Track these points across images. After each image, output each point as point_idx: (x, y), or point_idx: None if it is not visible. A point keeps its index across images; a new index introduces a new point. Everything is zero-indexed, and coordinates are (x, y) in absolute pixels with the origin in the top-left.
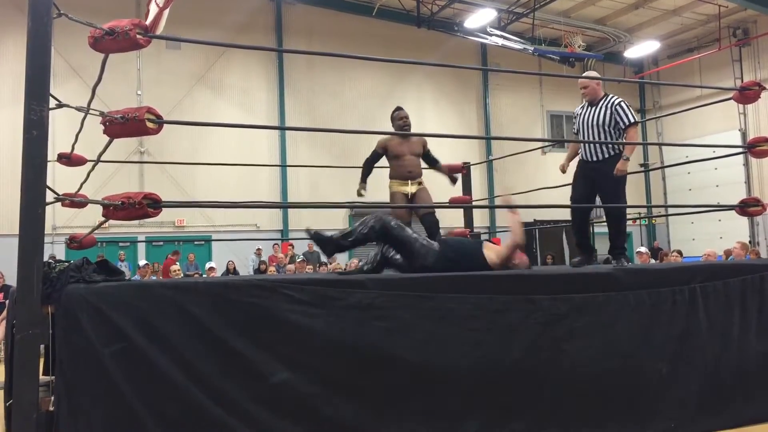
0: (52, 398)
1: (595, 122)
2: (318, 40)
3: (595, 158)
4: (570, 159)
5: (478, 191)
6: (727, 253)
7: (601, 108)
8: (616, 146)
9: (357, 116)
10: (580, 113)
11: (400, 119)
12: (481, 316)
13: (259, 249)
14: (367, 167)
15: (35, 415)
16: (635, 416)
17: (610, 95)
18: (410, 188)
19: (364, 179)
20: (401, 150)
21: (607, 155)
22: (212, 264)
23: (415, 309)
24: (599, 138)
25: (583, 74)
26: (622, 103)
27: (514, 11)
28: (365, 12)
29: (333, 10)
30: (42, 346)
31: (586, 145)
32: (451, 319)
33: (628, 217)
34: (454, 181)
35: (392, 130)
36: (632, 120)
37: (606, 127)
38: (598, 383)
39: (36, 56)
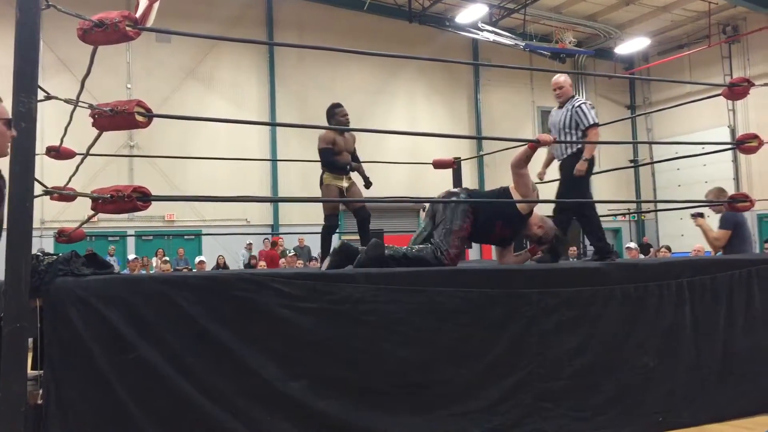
0: (41, 392)
1: (560, 124)
2: (309, 34)
3: (558, 158)
4: (546, 165)
5: (469, 186)
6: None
7: (564, 110)
8: (574, 146)
9: (348, 111)
10: (552, 115)
11: (343, 116)
12: (470, 310)
13: (249, 244)
14: (334, 161)
15: (23, 408)
16: (622, 409)
17: (575, 97)
18: (344, 183)
19: (346, 166)
20: (342, 146)
21: (565, 155)
22: (202, 258)
23: (404, 303)
24: (565, 137)
25: (556, 75)
26: (583, 105)
27: (506, 7)
28: (357, 6)
29: (324, 5)
30: (30, 340)
31: (555, 145)
32: (440, 313)
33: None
34: (368, 184)
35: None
36: (591, 122)
37: (568, 129)
38: (586, 377)
39: (24, 48)
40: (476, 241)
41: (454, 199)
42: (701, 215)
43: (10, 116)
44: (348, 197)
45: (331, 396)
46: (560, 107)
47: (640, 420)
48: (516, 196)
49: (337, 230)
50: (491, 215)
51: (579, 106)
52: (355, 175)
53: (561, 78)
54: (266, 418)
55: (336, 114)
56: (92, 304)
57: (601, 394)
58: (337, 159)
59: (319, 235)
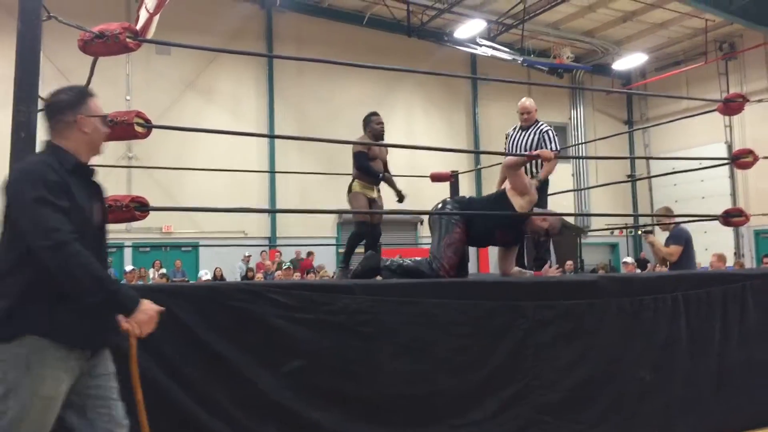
0: None
1: (524, 145)
2: (308, 48)
3: None
4: (501, 183)
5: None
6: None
7: (530, 133)
8: (538, 168)
9: (346, 124)
10: (512, 135)
11: (378, 123)
12: (466, 321)
13: (246, 256)
14: (368, 166)
15: None
16: (618, 422)
17: (540, 122)
18: (374, 193)
19: (378, 174)
20: (376, 154)
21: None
22: (205, 271)
23: (401, 315)
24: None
25: (526, 100)
26: (550, 132)
27: (504, 22)
28: (355, 21)
29: (323, 19)
30: None
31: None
32: (436, 324)
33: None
34: (401, 198)
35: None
36: (556, 148)
37: (532, 151)
38: (582, 389)
39: (25, 58)
40: (480, 246)
41: (447, 210)
42: (651, 232)
43: (105, 113)
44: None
45: (326, 407)
46: (523, 130)
47: None
48: (514, 197)
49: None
50: (489, 225)
51: (546, 131)
52: (384, 189)
53: (528, 102)
54: (261, 428)
55: (372, 122)
56: None
57: (597, 407)
58: (371, 165)
59: (321, 246)
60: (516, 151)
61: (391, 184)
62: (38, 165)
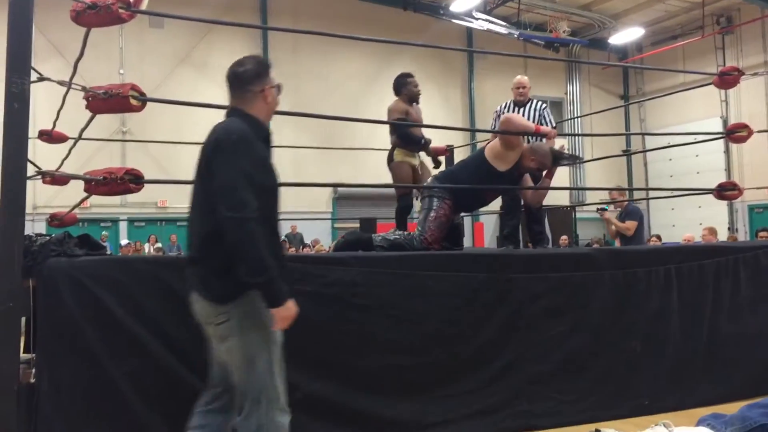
0: (33, 371)
1: None
2: (303, 21)
3: None
4: None
5: None
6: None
7: (528, 110)
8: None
9: (342, 99)
10: (506, 112)
11: (416, 86)
12: (459, 293)
13: None
14: (409, 132)
15: (16, 387)
16: (609, 393)
17: (535, 99)
18: (416, 161)
19: (421, 139)
20: (414, 119)
21: None
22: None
23: (394, 286)
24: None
25: (520, 76)
26: (548, 109)
27: None
28: None
29: None
30: (23, 322)
31: None
32: (430, 296)
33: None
34: (437, 164)
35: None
36: (554, 125)
37: None
38: (573, 361)
39: (17, 28)
40: (475, 209)
41: (435, 185)
42: (605, 209)
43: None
44: (418, 179)
45: (322, 378)
46: (518, 106)
47: (627, 404)
48: (492, 154)
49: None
50: (474, 192)
51: (545, 108)
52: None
53: (525, 78)
54: None
55: (409, 84)
56: (85, 284)
57: (588, 378)
58: (412, 131)
59: (314, 221)
60: None
61: (430, 150)
62: (249, 134)
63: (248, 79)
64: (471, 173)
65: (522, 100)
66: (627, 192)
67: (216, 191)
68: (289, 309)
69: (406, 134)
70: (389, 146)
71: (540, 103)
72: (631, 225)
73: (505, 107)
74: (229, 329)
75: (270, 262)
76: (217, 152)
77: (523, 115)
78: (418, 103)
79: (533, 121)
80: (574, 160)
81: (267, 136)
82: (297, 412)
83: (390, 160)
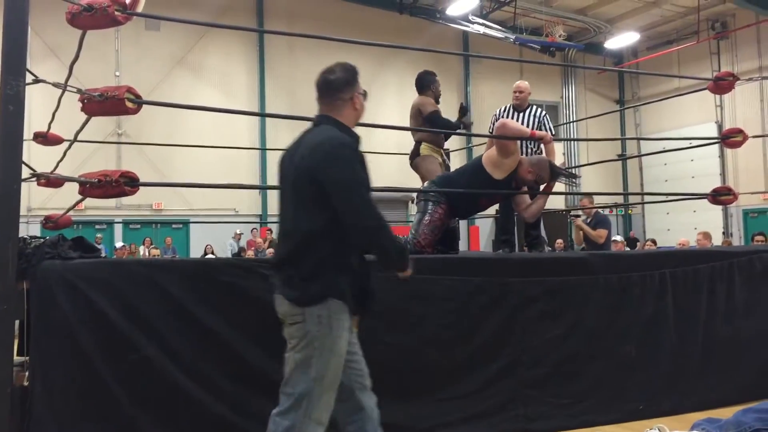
0: (27, 374)
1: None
2: (299, 24)
3: None
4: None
5: None
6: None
7: (528, 116)
8: (538, 149)
9: None
10: (503, 115)
11: (439, 85)
12: (455, 297)
13: (238, 233)
14: (448, 121)
15: (9, 389)
16: (604, 397)
17: (534, 106)
18: (441, 156)
19: (459, 125)
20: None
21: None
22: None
23: (390, 290)
24: (523, 143)
25: (523, 81)
26: (547, 116)
27: None
28: None
29: None
30: (17, 325)
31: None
32: (426, 300)
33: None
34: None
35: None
36: (553, 133)
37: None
38: (568, 365)
39: (12, 30)
40: (470, 216)
41: (431, 192)
42: (578, 216)
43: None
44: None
45: None
46: (517, 111)
47: (622, 408)
48: (489, 162)
49: None
50: (471, 197)
51: (545, 116)
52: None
53: (525, 84)
54: (251, 401)
55: (436, 82)
56: (79, 286)
57: (583, 382)
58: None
59: None
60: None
61: (465, 124)
62: (350, 142)
63: (339, 87)
64: (468, 180)
65: (520, 105)
66: (594, 200)
67: (340, 204)
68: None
69: (445, 123)
70: (392, 147)
71: (539, 109)
72: (603, 233)
73: (504, 111)
74: (300, 330)
75: (402, 243)
76: (329, 163)
77: (522, 121)
78: (438, 103)
79: (532, 128)
80: (572, 179)
81: (358, 142)
82: None
83: (416, 155)
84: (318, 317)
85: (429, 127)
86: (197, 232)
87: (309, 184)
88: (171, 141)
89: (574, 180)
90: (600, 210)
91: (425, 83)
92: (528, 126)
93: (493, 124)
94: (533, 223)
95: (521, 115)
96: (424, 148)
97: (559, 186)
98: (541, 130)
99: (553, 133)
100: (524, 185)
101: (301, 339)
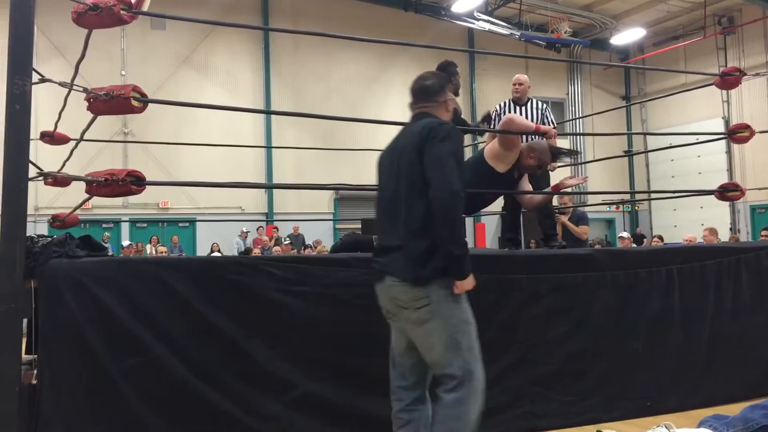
0: (35, 372)
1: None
2: (304, 22)
3: None
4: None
5: None
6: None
7: (529, 109)
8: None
9: (343, 100)
10: (505, 111)
11: (459, 78)
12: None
13: (244, 231)
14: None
15: (18, 388)
16: (611, 394)
17: (534, 99)
18: None
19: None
20: (460, 109)
21: None
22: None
23: None
24: (526, 137)
25: (519, 74)
26: (549, 109)
27: None
28: None
29: None
30: (25, 323)
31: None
32: None
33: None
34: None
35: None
36: (555, 124)
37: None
38: (575, 362)
39: (19, 30)
40: (475, 211)
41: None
42: (563, 213)
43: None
44: None
45: (322, 378)
46: (517, 104)
47: (629, 405)
48: (491, 155)
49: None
50: (474, 195)
51: (546, 108)
52: None
53: (524, 77)
54: (258, 399)
55: (457, 74)
56: (86, 285)
57: (590, 379)
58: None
59: (316, 222)
60: None
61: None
62: (450, 124)
63: (435, 91)
64: (470, 175)
65: (520, 98)
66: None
67: (430, 170)
68: (471, 281)
69: (460, 124)
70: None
71: (540, 102)
72: (586, 230)
73: (504, 106)
74: (430, 312)
75: (464, 243)
76: (430, 138)
77: (524, 114)
78: (458, 95)
79: (535, 121)
80: (573, 155)
81: (456, 128)
82: (298, 411)
83: None
84: (444, 295)
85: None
86: (204, 230)
87: (419, 168)
88: (177, 140)
89: (575, 155)
90: (578, 207)
91: (450, 73)
92: (530, 119)
93: (495, 120)
94: (548, 213)
95: (522, 108)
96: None
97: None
98: (543, 123)
99: (555, 125)
100: (527, 172)
101: (432, 321)
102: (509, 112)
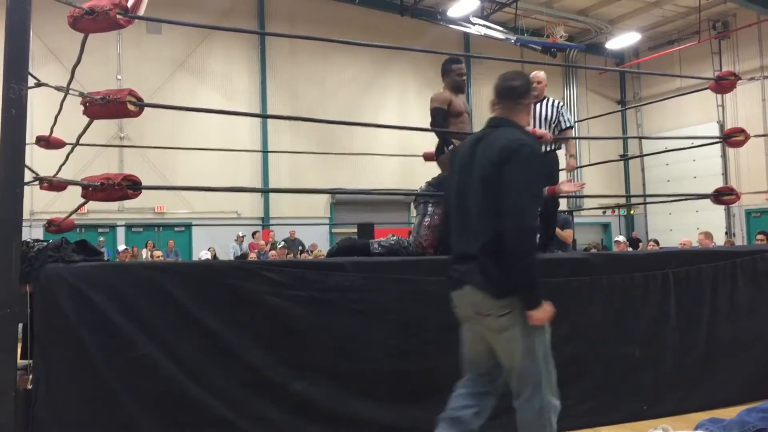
0: (30, 377)
1: (543, 118)
2: (300, 27)
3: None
4: None
5: None
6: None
7: (546, 107)
8: (555, 142)
9: (340, 104)
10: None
11: (459, 74)
12: None
13: (240, 236)
14: (444, 129)
15: (13, 393)
16: (607, 398)
17: (551, 97)
18: None
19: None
20: (460, 107)
21: (548, 149)
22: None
23: (392, 292)
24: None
25: (537, 71)
26: (565, 107)
27: (497, 1)
28: None
29: None
30: (20, 328)
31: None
32: (428, 301)
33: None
34: None
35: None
36: (572, 122)
37: (552, 125)
38: (571, 365)
39: (15, 34)
40: None
41: (429, 192)
42: None
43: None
44: None
45: (319, 383)
46: (534, 102)
47: (625, 408)
48: None
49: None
50: None
51: (563, 106)
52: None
53: (542, 74)
54: (254, 403)
55: (453, 71)
56: (82, 290)
57: (586, 383)
58: (451, 125)
59: (312, 226)
60: (538, 124)
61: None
62: (536, 147)
63: (521, 94)
64: None
65: (537, 96)
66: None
67: (504, 200)
68: (546, 311)
69: (437, 124)
70: (393, 149)
71: (557, 100)
72: (570, 233)
73: None
74: (511, 320)
75: (536, 274)
76: (511, 162)
77: (541, 111)
78: (463, 92)
79: (552, 118)
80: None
81: (536, 144)
82: (295, 415)
83: (440, 152)
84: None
85: (432, 124)
86: (200, 235)
87: (494, 178)
88: (173, 144)
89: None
90: (563, 212)
91: (443, 71)
92: (547, 116)
93: None
94: (551, 213)
95: (539, 105)
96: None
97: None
98: (559, 120)
99: (572, 124)
100: None
101: (513, 328)
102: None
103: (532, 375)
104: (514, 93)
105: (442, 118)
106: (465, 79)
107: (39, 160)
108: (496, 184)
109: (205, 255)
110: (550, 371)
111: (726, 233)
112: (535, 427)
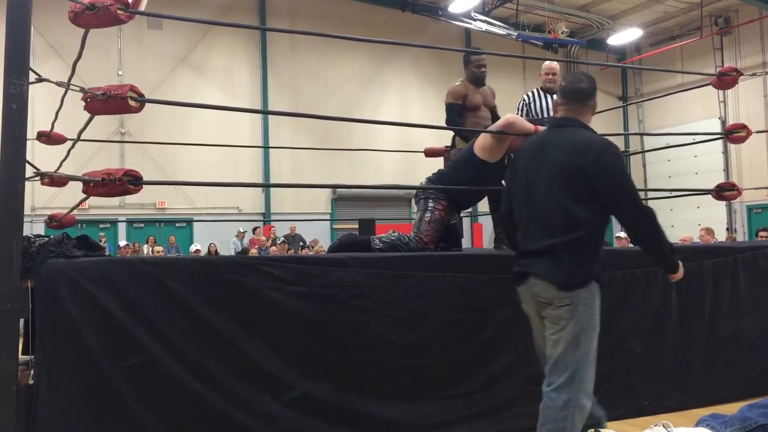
0: (32, 372)
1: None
2: (301, 22)
3: None
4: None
5: None
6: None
7: None
8: None
9: (340, 100)
10: (536, 101)
11: (478, 66)
12: (458, 294)
13: (241, 232)
14: (457, 124)
15: (15, 388)
16: (609, 394)
17: None
18: None
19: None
20: (477, 100)
21: None
22: (197, 246)
23: (394, 287)
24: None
25: (549, 61)
26: None
27: None
28: None
29: None
30: (21, 323)
31: None
32: (429, 297)
33: None
34: None
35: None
36: None
37: None
38: None
39: (15, 29)
40: (476, 203)
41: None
42: None
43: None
44: None
45: (320, 379)
46: (547, 93)
47: (627, 404)
48: (482, 147)
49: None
50: (471, 191)
51: None
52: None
53: (556, 64)
54: (256, 399)
55: (471, 62)
56: (83, 285)
57: None
58: (465, 120)
59: (313, 222)
60: (544, 115)
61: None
62: (614, 146)
63: (589, 95)
64: (462, 170)
65: (552, 88)
66: None
67: (615, 200)
68: (682, 271)
69: (449, 120)
70: (394, 145)
71: None
72: None
73: (536, 95)
74: (570, 312)
75: (668, 243)
76: (602, 164)
77: (554, 103)
78: (483, 85)
79: None
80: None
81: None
82: (297, 412)
83: (451, 147)
84: (585, 299)
85: (446, 119)
86: (201, 230)
87: (578, 180)
88: (174, 140)
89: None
90: None
91: (464, 62)
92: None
93: (520, 110)
94: None
95: (552, 97)
96: (459, 142)
97: None
98: None
99: None
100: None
101: (569, 320)
102: (539, 101)
103: (570, 366)
104: (582, 95)
105: (456, 114)
106: (484, 72)
107: (40, 156)
108: (574, 183)
109: (194, 248)
110: (588, 371)
111: (727, 229)
112: (555, 420)
